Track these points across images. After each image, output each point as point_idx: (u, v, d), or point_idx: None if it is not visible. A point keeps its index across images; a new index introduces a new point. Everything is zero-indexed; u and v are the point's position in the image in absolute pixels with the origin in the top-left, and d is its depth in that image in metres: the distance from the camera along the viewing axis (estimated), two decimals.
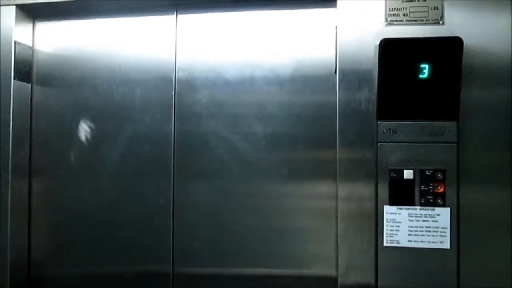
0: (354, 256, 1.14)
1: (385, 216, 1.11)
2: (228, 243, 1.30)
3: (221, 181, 1.30)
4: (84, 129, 1.38)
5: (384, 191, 1.12)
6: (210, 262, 1.31)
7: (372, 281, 1.13)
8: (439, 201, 1.09)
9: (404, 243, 1.11)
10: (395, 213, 1.11)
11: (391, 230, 1.11)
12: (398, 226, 1.10)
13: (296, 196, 1.27)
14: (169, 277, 1.32)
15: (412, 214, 1.10)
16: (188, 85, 1.33)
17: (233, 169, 1.30)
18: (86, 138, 1.38)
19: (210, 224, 1.31)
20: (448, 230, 1.09)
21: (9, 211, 1.32)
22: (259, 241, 1.28)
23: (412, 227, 1.10)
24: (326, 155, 1.22)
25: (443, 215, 1.09)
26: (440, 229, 1.09)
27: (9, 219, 1.32)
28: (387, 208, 1.11)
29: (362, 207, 1.14)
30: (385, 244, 1.11)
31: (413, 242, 1.11)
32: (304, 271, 1.26)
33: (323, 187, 1.24)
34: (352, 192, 1.14)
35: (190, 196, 1.32)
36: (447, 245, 1.09)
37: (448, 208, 1.09)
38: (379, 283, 1.12)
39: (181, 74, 1.33)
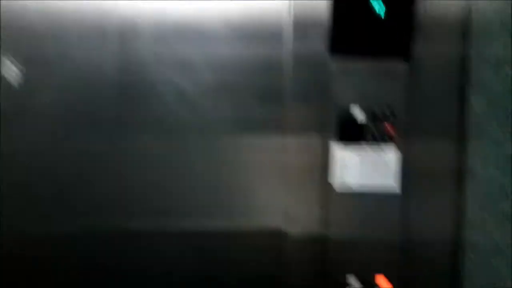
0: (302, 206, 1.10)
1: (336, 159, 1.08)
2: (172, 197, 1.22)
3: (166, 129, 1.22)
4: (11, 70, 1.26)
5: (333, 133, 1.09)
6: (152, 218, 1.23)
7: (321, 230, 1.10)
8: (388, 140, 1.07)
9: (355, 187, 1.08)
10: (345, 155, 1.08)
11: (341, 173, 1.08)
12: (349, 168, 1.08)
13: (242, 148, 1.20)
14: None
15: (362, 154, 1.08)
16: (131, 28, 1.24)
17: (178, 119, 1.22)
18: (16, 81, 1.26)
19: (154, 177, 1.23)
20: (395, 168, 1.08)
21: None
22: (203, 195, 1.22)
23: (363, 167, 1.08)
24: (275, 105, 1.16)
25: (391, 152, 1.08)
26: (389, 167, 1.08)
27: None
28: (337, 150, 1.08)
29: (311, 153, 1.10)
30: (335, 189, 1.08)
31: (364, 187, 1.08)
32: (253, 224, 1.21)
33: (271, 138, 1.19)
34: (301, 138, 1.10)
35: (131, 147, 1.23)
36: (396, 188, 1.08)
37: (396, 146, 1.08)
38: (330, 232, 1.10)
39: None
